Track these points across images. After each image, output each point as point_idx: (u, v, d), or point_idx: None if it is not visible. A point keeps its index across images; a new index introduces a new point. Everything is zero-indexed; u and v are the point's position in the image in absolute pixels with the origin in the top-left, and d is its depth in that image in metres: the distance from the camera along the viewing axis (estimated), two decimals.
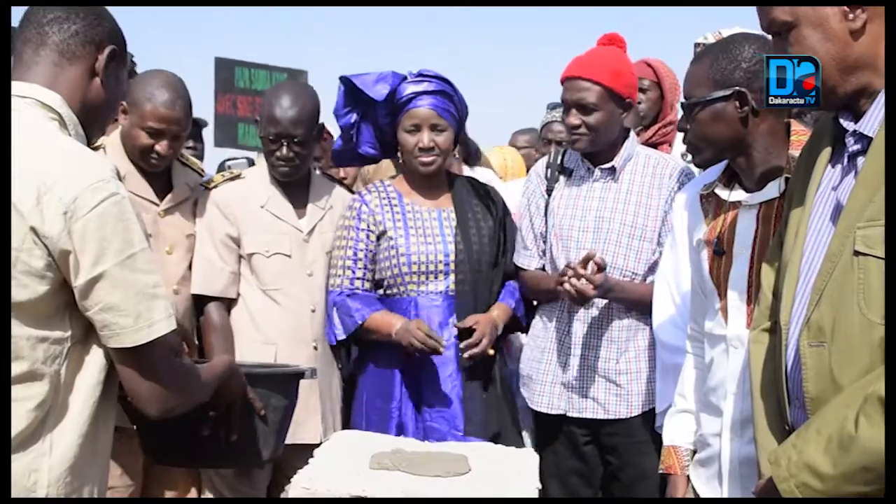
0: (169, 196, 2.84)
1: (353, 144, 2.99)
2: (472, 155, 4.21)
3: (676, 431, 2.35)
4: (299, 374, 2.20)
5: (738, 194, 2.17)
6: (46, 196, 1.54)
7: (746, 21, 3.07)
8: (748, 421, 2.04)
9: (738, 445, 2.14)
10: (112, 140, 2.84)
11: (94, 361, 1.66)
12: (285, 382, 2.14)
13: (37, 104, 1.66)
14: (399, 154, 2.98)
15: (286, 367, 2.40)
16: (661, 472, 2.39)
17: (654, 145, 3.80)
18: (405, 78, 2.89)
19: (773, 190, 2.10)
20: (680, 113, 2.24)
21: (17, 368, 1.57)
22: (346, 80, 2.89)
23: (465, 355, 2.76)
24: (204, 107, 4.56)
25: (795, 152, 2.05)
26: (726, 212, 2.19)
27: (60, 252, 1.55)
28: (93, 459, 1.68)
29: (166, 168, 2.86)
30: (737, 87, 2.09)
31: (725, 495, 2.17)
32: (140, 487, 2.80)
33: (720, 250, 2.17)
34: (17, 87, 1.67)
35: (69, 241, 1.55)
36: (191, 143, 4.42)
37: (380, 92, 2.84)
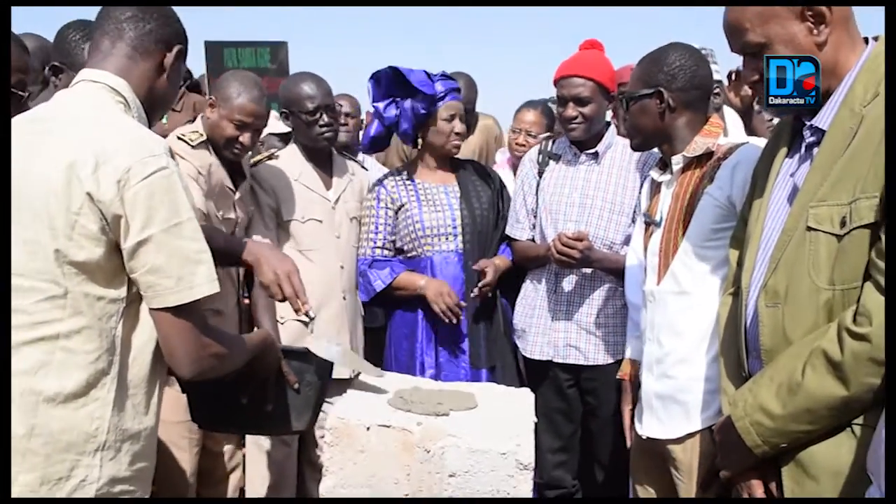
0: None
1: (391, 133, 3.22)
2: None
3: (634, 347, 2.59)
4: (331, 363, 2.14)
5: (665, 176, 2.43)
6: (104, 165, 1.58)
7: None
8: (659, 361, 2.31)
9: (650, 382, 2.34)
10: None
11: (147, 321, 1.69)
12: (320, 363, 2.10)
13: (107, 88, 1.74)
14: (421, 140, 3.20)
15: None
16: (618, 377, 2.62)
17: None
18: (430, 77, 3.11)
19: (674, 170, 2.38)
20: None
21: (77, 323, 1.61)
22: (397, 73, 3.05)
23: (479, 286, 3.04)
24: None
25: (706, 140, 2.34)
26: (660, 191, 2.45)
27: (113, 216, 1.59)
28: (147, 410, 1.73)
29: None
30: (657, 87, 2.32)
31: (642, 424, 2.38)
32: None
33: (650, 221, 2.44)
34: (93, 73, 1.76)
35: (121, 206, 1.58)
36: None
37: (434, 88, 3.09)
